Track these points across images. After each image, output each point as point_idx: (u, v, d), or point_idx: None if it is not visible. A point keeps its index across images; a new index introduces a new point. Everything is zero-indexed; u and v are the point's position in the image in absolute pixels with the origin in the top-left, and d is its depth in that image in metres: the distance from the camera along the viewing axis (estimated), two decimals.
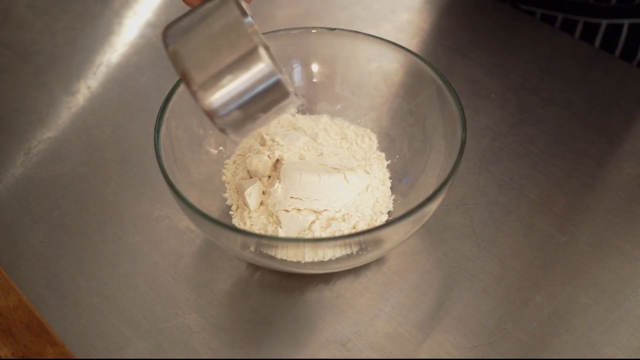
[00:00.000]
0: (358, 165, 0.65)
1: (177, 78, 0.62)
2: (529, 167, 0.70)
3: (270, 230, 0.61)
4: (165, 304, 0.60)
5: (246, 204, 0.62)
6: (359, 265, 0.60)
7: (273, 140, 0.65)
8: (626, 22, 0.83)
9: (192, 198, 0.57)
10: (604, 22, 0.84)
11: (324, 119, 0.70)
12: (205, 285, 0.62)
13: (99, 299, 0.61)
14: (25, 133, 0.75)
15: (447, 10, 0.88)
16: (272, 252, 0.58)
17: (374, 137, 0.69)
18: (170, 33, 0.50)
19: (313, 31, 0.68)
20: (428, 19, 0.88)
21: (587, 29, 0.87)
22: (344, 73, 0.70)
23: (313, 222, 0.60)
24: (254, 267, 0.62)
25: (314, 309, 0.60)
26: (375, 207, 0.63)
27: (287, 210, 0.60)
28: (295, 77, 0.70)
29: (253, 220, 0.62)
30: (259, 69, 0.49)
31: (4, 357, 0.56)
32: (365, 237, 0.56)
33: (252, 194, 0.62)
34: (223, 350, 0.58)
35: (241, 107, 0.50)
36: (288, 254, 0.58)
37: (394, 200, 0.64)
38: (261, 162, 0.64)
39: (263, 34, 0.66)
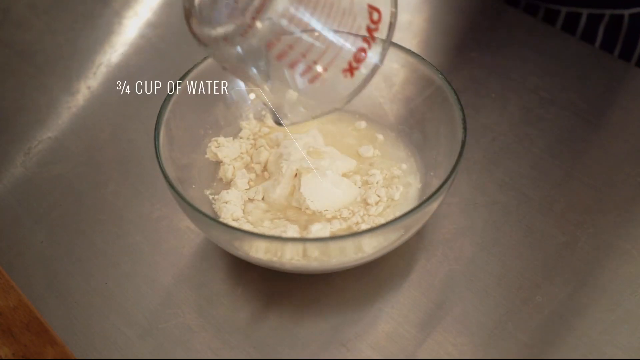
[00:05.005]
0: (358, 165, 0.65)
1: (177, 78, 0.62)
2: (529, 167, 0.69)
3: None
4: (165, 304, 0.60)
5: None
6: (359, 265, 0.60)
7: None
8: (626, 13, 0.86)
9: None
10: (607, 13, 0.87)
11: (324, 119, 0.69)
12: (205, 285, 0.62)
13: (99, 299, 0.61)
14: (25, 133, 0.75)
15: (447, 11, 0.88)
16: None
17: (374, 137, 0.69)
18: None
19: None
20: (428, 19, 0.88)
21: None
22: None
23: (313, 222, 0.60)
24: (254, 267, 0.62)
25: (314, 309, 0.60)
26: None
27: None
28: None
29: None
30: None
31: (4, 357, 0.56)
32: (364, 237, 0.56)
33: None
34: (223, 350, 0.58)
35: None
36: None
37: None
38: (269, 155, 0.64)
39: None
